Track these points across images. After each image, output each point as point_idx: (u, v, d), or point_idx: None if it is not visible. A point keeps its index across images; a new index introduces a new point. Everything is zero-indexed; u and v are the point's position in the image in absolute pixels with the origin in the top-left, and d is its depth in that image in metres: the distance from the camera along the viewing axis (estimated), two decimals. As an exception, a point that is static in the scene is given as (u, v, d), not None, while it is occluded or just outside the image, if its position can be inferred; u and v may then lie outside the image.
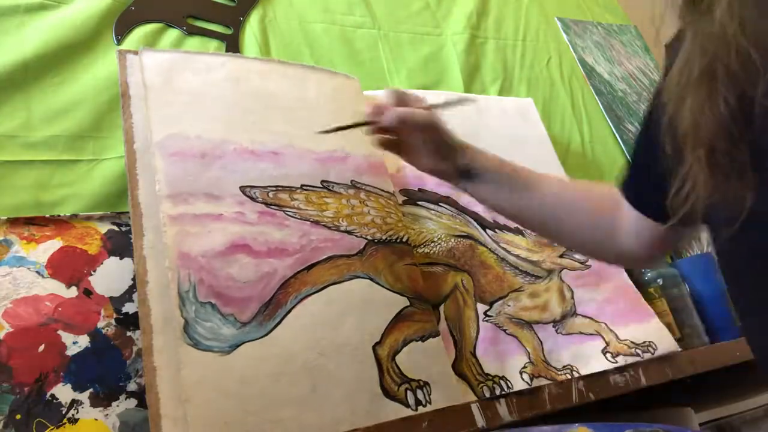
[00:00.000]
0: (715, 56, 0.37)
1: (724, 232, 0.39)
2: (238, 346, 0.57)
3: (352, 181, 0.75)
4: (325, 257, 0.67)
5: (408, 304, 0.69)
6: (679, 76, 0.41)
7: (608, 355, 0.76)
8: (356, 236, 0.71)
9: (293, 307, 0.62)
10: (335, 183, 0.74)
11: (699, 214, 0.41)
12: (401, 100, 0.64)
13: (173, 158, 0.65)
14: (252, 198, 0.67)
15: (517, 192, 0.63)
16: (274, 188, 0.69)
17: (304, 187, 0.71)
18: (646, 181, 0.54)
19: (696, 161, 0.39)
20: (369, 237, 0.72)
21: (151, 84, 0.68)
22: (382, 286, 0.68)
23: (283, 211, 0.68)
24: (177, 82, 0.70)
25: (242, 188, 0.67)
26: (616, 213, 0.59)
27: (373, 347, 0.64)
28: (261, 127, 0.73)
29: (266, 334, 0.59)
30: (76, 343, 0.58)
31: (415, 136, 0.64)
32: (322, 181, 0.73)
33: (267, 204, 0.67)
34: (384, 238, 0.73)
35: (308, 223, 0.69)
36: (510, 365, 0.71)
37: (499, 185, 0.64)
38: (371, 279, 0.68)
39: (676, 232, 0.55)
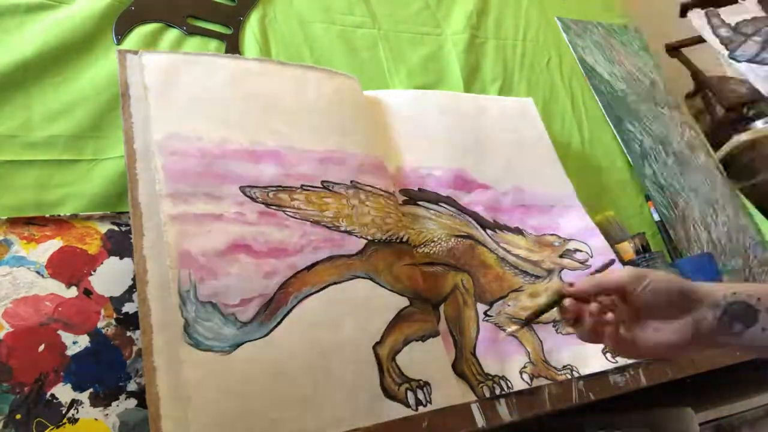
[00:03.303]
0: None
1: None
2: (238, 345, 0.57)
3: (352, 181, 0.75)
4: (325, 257, 0.67)
5: (408, 304, 0.69)
6: None
7: (608, 354, 0.76)
8: (356, 236, 0.71)
9: (294, 307, 0.62)
10: (335, 183, 0.74)
11: None
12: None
13: (173, 158, 0.65)
14: (252, 198, 0.67)
15: None
16: (274, 188, 0.69)
17: (304, 187, 0.71)
18: None
19: None
20: (369, 237, 0.71)
21: (151, 84, 0.68)
22: (383, 286, 0.68)
23: (283, 211, 0.68)
24: (177, 82, 0.70)
25: (242, 188, 0.67)
26: None
27: (374, 347, 0.64)
28: (261, 127, 0.73)
29: (267, 334, 0.59)
30: (76, 343, 0.58)
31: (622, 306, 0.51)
32: (322, 182, 0.73)
33: (267, 204, 0.67)
34: (384, 238, 0.73)
35: (308, 223, 0.69)
36: (510, 365, 0.71)
37: None
38: (371, 279, 0.68)
39: None
